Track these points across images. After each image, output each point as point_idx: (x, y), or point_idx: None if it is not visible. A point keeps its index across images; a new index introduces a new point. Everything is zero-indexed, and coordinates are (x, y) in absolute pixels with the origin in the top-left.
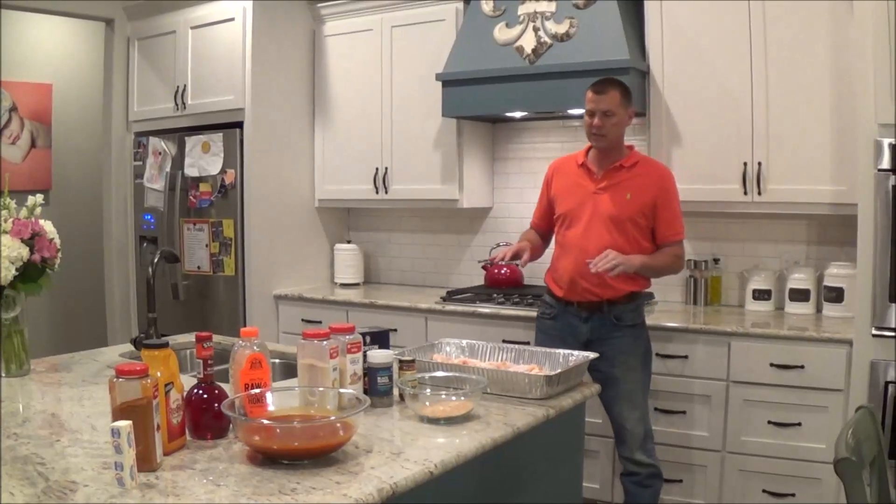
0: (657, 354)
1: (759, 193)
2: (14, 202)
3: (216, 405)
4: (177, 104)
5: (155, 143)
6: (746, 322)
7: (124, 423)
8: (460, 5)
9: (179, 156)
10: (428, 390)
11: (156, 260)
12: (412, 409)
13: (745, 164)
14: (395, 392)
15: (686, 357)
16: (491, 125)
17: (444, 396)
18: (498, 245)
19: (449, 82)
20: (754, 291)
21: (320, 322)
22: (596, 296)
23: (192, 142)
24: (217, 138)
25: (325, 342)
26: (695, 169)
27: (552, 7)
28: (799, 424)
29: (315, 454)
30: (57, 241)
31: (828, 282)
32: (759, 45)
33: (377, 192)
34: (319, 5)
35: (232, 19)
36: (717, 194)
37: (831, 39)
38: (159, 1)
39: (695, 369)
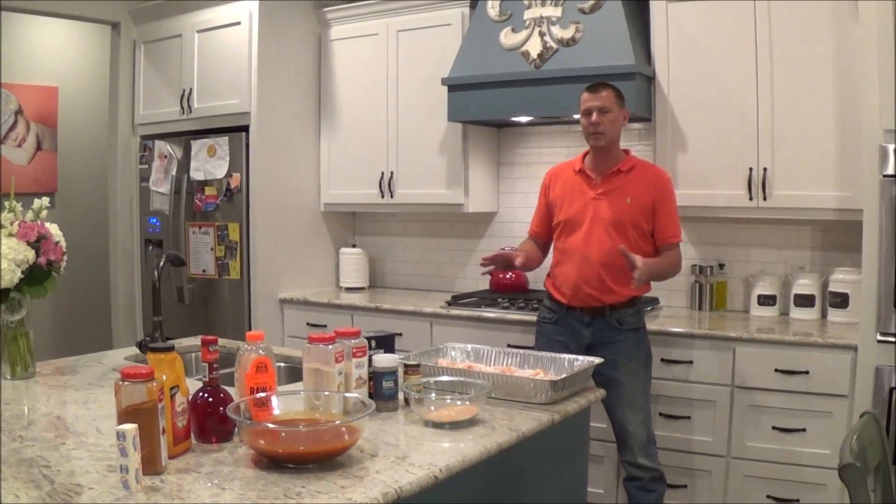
0: (662, 360)
1: (765, 199)
2: (20, 205)
3: (221, 409)
4: (182, 108)
5: (161, 146)
6: (751, 327)
7: (129, 427)
8: (466, 10)
9: (185, 159)
10: (433, 395)
11: (161, 263)
12: (417, 414)
13: (751, 169)
14: (401, 396)
15: (691, 362)
16: (496, 130)
17: (449, 401)
18: (503, 249)
19: (455, 87)
20: (759, 297)
21: (325, 326)
22: (598, 301)
23: (197, 145)
24: (223, 142)
25: (330, 346)
26: (700, 174)
27: (558, 12)
28: (803, 430)
29: (320, 458)
30: (63, 244)
31: (833, 287)
32: (764, 50)
33: (382, 197)
34: (325, 9)
35: (238, 23)
36: (723, 199)
37: (836, 45)
38: (165, 4)
39: (699, 374)
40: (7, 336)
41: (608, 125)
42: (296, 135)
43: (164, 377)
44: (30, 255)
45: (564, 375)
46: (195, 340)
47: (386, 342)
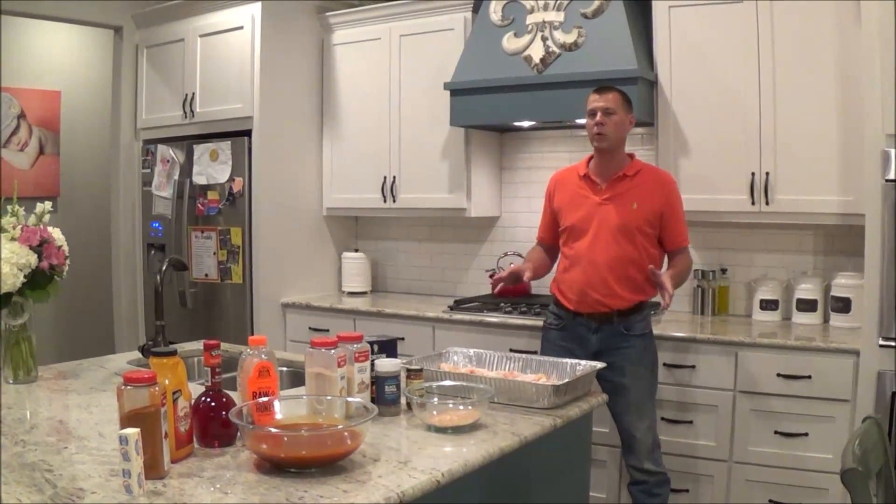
0: (664, 364)
1: (767, 203)
2: (22, 209)
3: (224, 413)
4: (185, 112)
5: (163, 150)
6: (754, 332)
7: (132, 431)
8: (469, 15)
9: (187, 164)
10: (435, 399)
11: (164, 267)
12: (419, 418)
13: (753, 173)
14: (403, 401)
15: (693, 367)
16: (499, 134)
17: (451, 405)
18: (506, 254)
19: (457, 91)
20: (761, 301)
21: (328, 330)
22: (606, 307)
23: (200, 150)
24: (225, 146)
25: (333, 351)
26: (702, 178)
27: (560, 17)
28: (806, 434)
29: (322, 463)
30: (65, 248)
31: (835, 292)
32: (766, 55)
33: (385, 201)
34: (328, 14)
35: (241, 28)
36: (725, 204)
37: (839, 50)
38: (168, 9)
39: (702, 379)
40: (9, 340)
41: (612, 127)
42: (298, 139)
43: (167, 381)
44: (32, 259)
45: (567, 380)
46: (198, 345)
47: (388, 347)
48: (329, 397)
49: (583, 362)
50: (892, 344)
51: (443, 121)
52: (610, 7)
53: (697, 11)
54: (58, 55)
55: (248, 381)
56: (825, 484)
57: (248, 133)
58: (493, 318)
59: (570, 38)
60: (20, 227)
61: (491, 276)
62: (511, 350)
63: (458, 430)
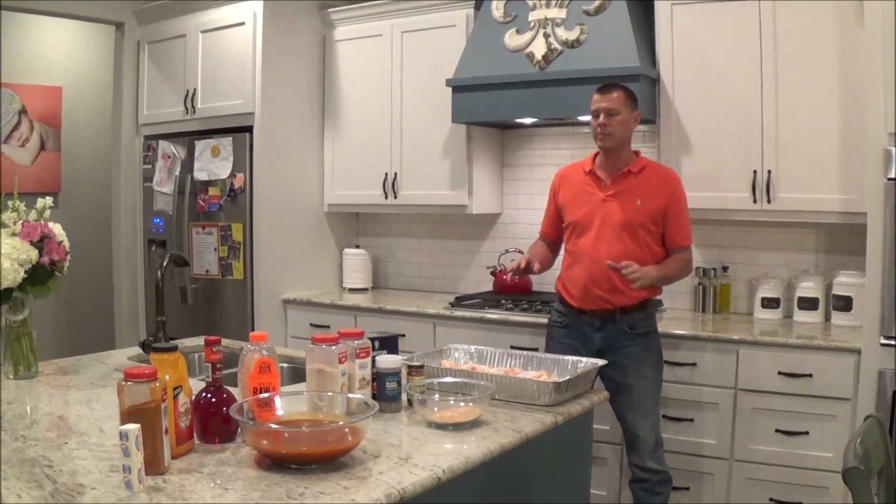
0: (665, 362)
1: (769, 201)
2: (23, 205)
3: (224, 409)
4: (186, 108)
5: (164, 146)
6: (755, 330)
7: (132, 427)
8: (471, 11)
9: (189, 159)
10: (436, 396)
11: (164, 263)
12: (420, 415)
13: (755, 171)
14: (404, 397)
15: (694, 364)
16: (500, 131)
17: (452, 402)
18: (507, 251)
19: (459, 88)
20: (763, 300)
21: (328, 327)
22: (609, 303)
23: (201, 145)
24: (227, 142)
25: (334, 347)
26: (704, 176)
27: (563, 14)
28: (806, 433)
29: (323, 459)
30: (66, 243)
31: (836, 290)
32: (768, 52)
33: (386, 198)
34: (329, 10)
35: (242, 24)
36: (727, 202)
37: (841, 48)
38: (169, 5)
39: (703, 377)
40: (10, 336)
41: (616, 127)
42: (300, 135)
43: (168, 377)
44: (33, 254)
45: (568, 377)
46: (198, 341)
47: (389, 343)
48: (330, 393)
49: (584, 359)
50: (894, 343)
51: (444, 117)
52: (612, 4)
53: (699, 9)
54: (59, 51)
55: (249, 377)
56: (826, 483)
57: (249, 129)
58: (495, 314)
59: (572, 35)
60: (21, 222)
61: (492, 273)
62: (512, 347)
63: (459, 427)
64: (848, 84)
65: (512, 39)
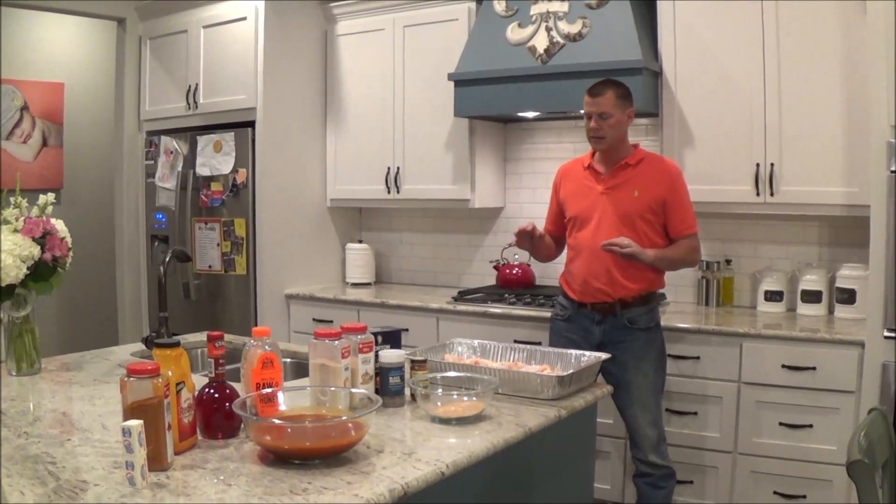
0: (669, 355)
1: (772, 194)
2: (25, 201)
3: (227, 405)
4: (188, 103)
5: (166, 142)
6: (758, 323)
7: (135, 423)
8: (472, 5)
9: (191, 155)
10: (440, 390)
11: (167, 259)
12: (424, 410)
13: (758, 165)
14: (407, 392)
15: (698, 358)
16: (503, 125)
17: (455, 397)
18: (509, 245)
19: (461, 82)
20: (766, 293)
21: (331, 322)
22: (608, 296)
23: (203, 141)
24: (229, 137)
25: (336, 342)
26: (707, 170)
27: (565, 7)
28: (810, 426)
29: (326, 454)
30: (68, 239)
31: (840, 283)
32: (771, 45)
33: (389, 192)
34: (331, 5)
35: (244, 18)
36: (730, 195)
37: (844, 41)
38: (171, 0)
39: (706, 370)
40: (12, 332)
41: (608, 129)
42: (302, 130)
43: (170, 373)
44: (35, 251)
45: (571, 371)
46: (201, 336)
47: (392, 338)
48: (333, 388)
49: (587, 353)
50: None
51: (447, 112)
52: None
53: (702, 2)
54: (61, 47)
55: (252, 373)
56: (829, 476)
57: (251, 124)
58: (498, 308)
59: (574, 29)
60: (23, 218)
61: (495, 268)
62: (515, 341)
63: (462, 422)
64: (851, 77)
65: (514, 33)
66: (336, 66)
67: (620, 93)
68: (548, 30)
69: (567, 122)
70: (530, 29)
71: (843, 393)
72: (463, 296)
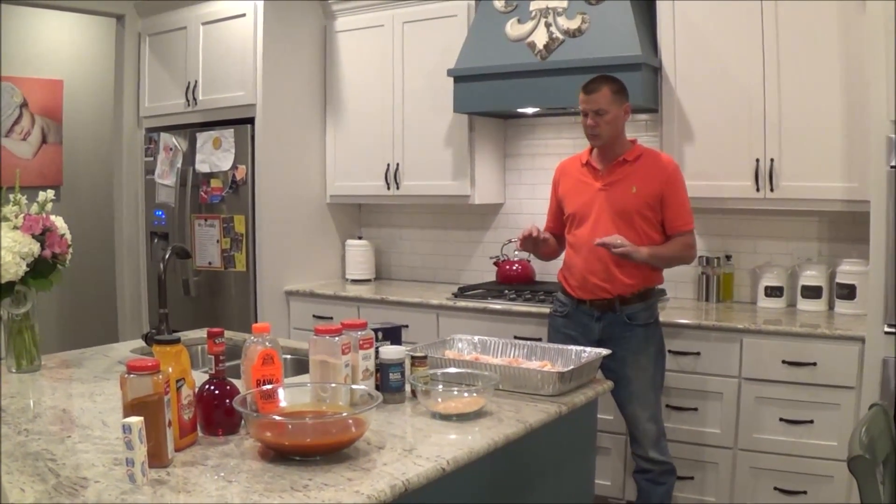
0: (669, 351)
1: (772, 190)
2: (25, 198)
3: (228, 401)
4: (188, 100)
5: (166, 138)
6: (758, 319)
7: (135, 420)
8: (472, 1)
9: (190, 152)
10: (440, 387)
11: (167, 256)
12: (424, 406)
13: (758, 160)
14: (407, 388)
15: (698, 354)
16: (503, 121)
17: (456, 393)
18: (509, 241)
19: (460, 78)
20: (766, 288)
21: (331, 318)
22: (606, 292)
23: (203, 137)
24: (228, 134)
25: (337, 338)
26: (707, 165)
27: (564, 3)
28: (811, 422)
29: (327, 450)
30: (68, 236)
31: (840, 279)
32: (771, 41)
33: (388, 188)
34: (330, 1)
35: (243, 15)
36: (730, 191)
37: (844, 36)
38: None
39: (707, 366)
40: (12, 329)
41: (605, 126)
42: (301, 126)
43: (170, 370)
44: (35, 247)
45: (572, 367)
46: (201, 333)
47: (392, 334)
48: (333, 385)
49: (588, 349)
50: None
51: (446, 108)
52: None
53: None
54: (60, 44)
55: (252, 369)
56: (830, 471)
57: (251, 121)
58: (498, 305)
59: (573, 25)
60: (23, 215)
61: (495, 264)
62: (515, 337)
63: (462, 418)
64: (850, 72)
65: (513, 29)
66: (335, 63)
67: (615, 88)
68: (547, 25)
69: (567, 118)
70: (529, 25)
71: (843, 388)
72: (463, 292)
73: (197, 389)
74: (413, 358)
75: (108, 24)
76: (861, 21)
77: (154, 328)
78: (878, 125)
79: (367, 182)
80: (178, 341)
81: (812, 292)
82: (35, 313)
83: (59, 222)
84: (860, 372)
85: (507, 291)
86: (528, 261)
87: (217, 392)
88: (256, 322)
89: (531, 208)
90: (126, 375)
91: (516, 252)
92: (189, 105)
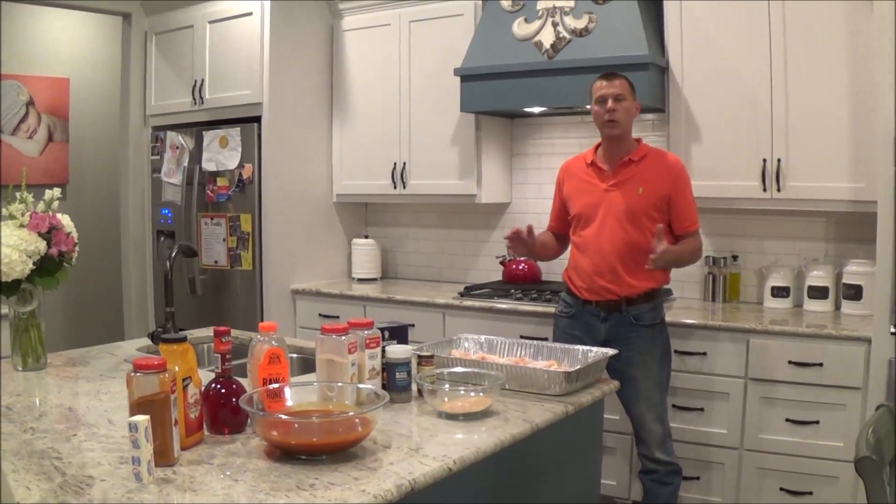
0: (675, 351)
1: (779, 190)
2: (31, 196)
3: (234, 400)
4: (194, 98)
5: (172, 137)
6: (765, 319)
7: (142, 418)
8: (479, 1)
9: (197, 150)
10: (446, 386)
11: (173, 254)
12: (430, 405)
13: (765, 160)
14: (414, 387)
15: (704, 354)
16: (509, 120)
17: (462, 392)
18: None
19: (467, 77)
20: (773, 288)
21: (338, 317)
22: (614, 294)
23: (209, 136)
24: (235, 133)
25: (343, 337)
26: (714, 165)
27: (571, 2)
28: (817, 422)
29: (333, 450)
30: (74, 235)
31: (846, 279)
32: (778, 41)
33: (395, 187)
34: (337, 0)
35: (250, 14)
36: (736, 191)
37: (851, 35)
38: None
39: (713, 366)
40: (18, 327)
41: (623, 113)
42: (308, 125)
43: (177, 368)
44: (41, 246)
45: (578, 367)
46: (207, 331)
47: (399, 333)
48: (340, 384)
49: (594, 349)
50: None
51: (453, 107)
52: None
53: None
54: (66, 42)
55: (259, 368)
56: (836, 472)
57: (257, 119)
58: (504, 304)
59: (580, 24)
60: (29, 213)
61: (502, 263)
62: (521, 336)
63: (469, 417)
64: (858, 71)
65: (520, 28)
66: (342, 62)
67: (630, 83)
68: (554, 25)
69: (573, 118)
70: (536, 24)
71: (849, 389)
72: (469, 291)
73: (203, 388)
74: (419, 357)
75: (114, 23)
76: (868, 21)
77: (160, 327)
78: (885, 125)
79: (373, 181)
80: (184, 340)
81: (818, 293)
82: (41, 311)
83: (65, 220)
84: (866, 373)
85: (513, 291)
86: (535, 260)
87: (223, 391)
88: (263, 321)
89: (538, 208)
90: (132, 374)
91: (510, 254)
92: (195, 104)
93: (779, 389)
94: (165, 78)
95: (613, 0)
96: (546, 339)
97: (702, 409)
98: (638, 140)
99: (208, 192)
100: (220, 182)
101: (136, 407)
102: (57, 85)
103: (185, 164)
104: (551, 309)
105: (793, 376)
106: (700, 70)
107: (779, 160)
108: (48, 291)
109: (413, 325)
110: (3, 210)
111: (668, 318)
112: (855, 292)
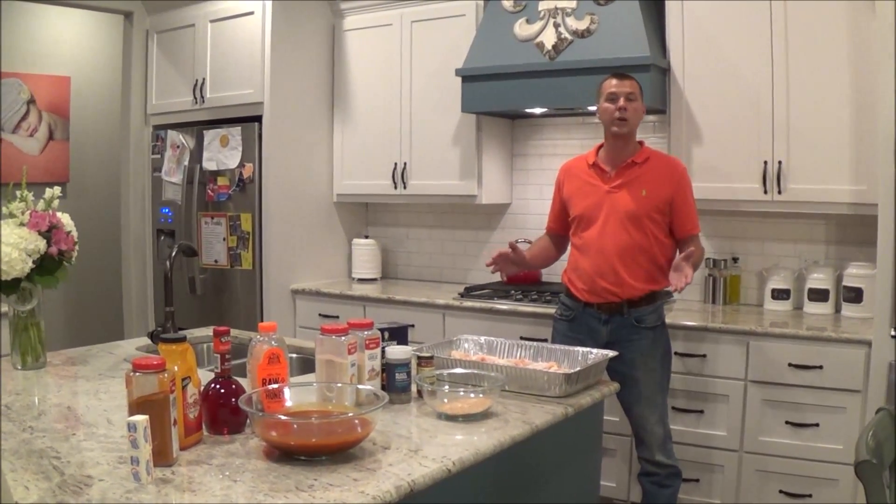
0: (675, 353)
1: (779, 192)
2: (32, 194)
3: (233, 400)
4: (195, 98)
5: (173, 136)
6: (765, 321)
7: (141, 418)
8: (480, 1)
9: (197, 149)
10: (446, 387)
11: (173, 253)
12: (430, 406)
13: (766, 162)
14: (414, 388)
15: (704, 356)
16: (510, 121)
17: (462, 393)
18: (516, 241)
19: (469, 78)
20: (773, 291)
21: (337, 317)
22: (616, 296)
23: (210, 135)
24: (235, 132)
25: (343, 337)
26: (714, 167)
27: (573, 3)
28: (817, 425)
29: (333, 450)
30: (74, 233)
31: (847, 282)
32: (779, 43)
33: (396, 188)
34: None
35: (251, 13)
36: (737, 193)
37: (852, 38)
38: None
39: (713, 368)
40: (18, 326)
41: (633, 113)
42: (309, 125)
43: (176, 368)
44: (41, 244)
45: (578, 368)
46: (207, 331)
47: (399, 334)
48: (339, 384)
49: (594, 350)
50: None
51: (454, 107)
52: None
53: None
54: (68, 41)
55: (258, 368)
56: (836, 475)
57: (258, 119)
58: (504, 305)
59: (582, 25)
60: (29, 212)
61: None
62: (521, 338)
63: (468, 419)
64: (859, 74)
65: (522, 29)
66: (343, 62)
67: (640, 85)
68: (556, 26)
69: (575, 119)
70: (538, 25)
71: (849, 392)
72: (469, 292)
73: (202, 388)
74: (419, 358)
75: (115, 21)
76: (870, 22)
77: (160, 326)
78: (886, 128)
79: (374, 181)
80: (183, 339)
81: (819, 295)
82: (41, 310)
83: (65, 219)
84: (867, 376)
85: (513, 292)
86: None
87: (223, 391)
88: (262, 321)
89: (538, 209)
90: (132, 373)
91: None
92: (196, 103)
93: (779, 392)
94: (166, 77)
95: (615, 1)
96: (546, 341)
97: (702, 412)
98: (641, 143)
99: (209, 191)
100: (221, 181)
101: (135, 407)
102: (58, 83)
103: (186, 163)
104: (551, 310)
105: (793, 379)
106: (701, 71)
107: (780, 162)
108: (48, 290)
109: (413, 326)
110: (4, 208)
111: (668, 320)
112: (855, 295)
